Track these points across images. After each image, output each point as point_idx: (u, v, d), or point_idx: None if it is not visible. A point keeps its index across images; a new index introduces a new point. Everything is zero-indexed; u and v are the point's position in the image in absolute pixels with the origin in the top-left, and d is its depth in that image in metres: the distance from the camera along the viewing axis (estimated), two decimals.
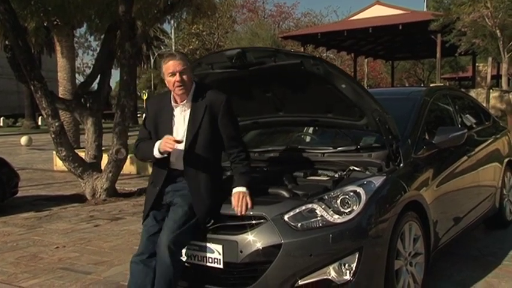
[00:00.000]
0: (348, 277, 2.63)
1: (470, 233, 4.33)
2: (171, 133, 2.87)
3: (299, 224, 2.67)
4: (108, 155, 7.09)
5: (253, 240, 2.67)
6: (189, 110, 2.89)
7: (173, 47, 28.21)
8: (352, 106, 3.17)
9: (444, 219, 3.50)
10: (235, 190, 2.83)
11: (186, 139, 2.85)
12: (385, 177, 2.94)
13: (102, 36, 7.96)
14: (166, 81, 2.89)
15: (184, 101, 2.90)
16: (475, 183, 4.13)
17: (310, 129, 4.24)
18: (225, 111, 2.88)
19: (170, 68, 2.83)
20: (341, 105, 3.23)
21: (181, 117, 2.92)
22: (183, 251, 2.84)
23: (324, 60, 3.00)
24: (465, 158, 3.94)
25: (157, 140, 2.87)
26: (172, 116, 2.93)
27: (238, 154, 2.95)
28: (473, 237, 4.51)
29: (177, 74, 2.81)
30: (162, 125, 2.93)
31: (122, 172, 7.35)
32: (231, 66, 3.10)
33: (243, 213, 2.75)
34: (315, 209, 2.71)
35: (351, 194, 2.76)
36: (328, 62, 3.06)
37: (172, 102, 2.93)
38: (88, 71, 32.87)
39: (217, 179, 2.95)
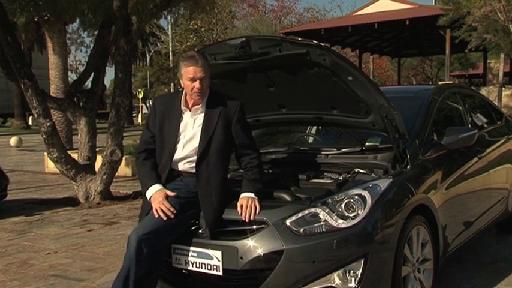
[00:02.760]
0: (352, 284, 2.63)
1: (482, 238, 4.32)
2: (177, 138, 2.93)
3: (302, 229, 2.67)
4: (102, 157, 7.09)
5: (254, 246, 2.66)
6: (202, 114, 2.94)
7: (170, 44, 28.19)
8: (358, 102, 3.17)
9: (454, 224, 3.50)
10: (243, 195, 2.85)
11: (199, 145, 2.90)
12: (391, 179, 2.94)
13: (96, 32, 7.96)
14: (183, 84, 2.93)
15: (198, 106, 2.95)
16: (486, 185, 4.12)
17: (313, 130, 4.25)
18: (239, 117, 2.95)
19: (191, 73, 2.86)
20: (347, 100, 3.23)
21: (191, 120, 2.96)
22: (180, 256, 2.83)
23: (331, 49, 2.99)
24: (476, 159, 3.94)
25: (160, 141, 2.96)
26: (180, 119, 2.96)
27: (250, 160, 3.00)
28: (484, 242, 4.51)
29: (198, 81, 2.86)
30: (169, 129, 2.96)
31: (116, 174, 7.35)
32: (235, 57, 3.12)
33: (251, 219, 2.75)
34: (318, 214, 2.71)
35: (356, 197, 2.76)
36: (335, 51, 3.04)
37: (182, 106, 2.97)
38: (81, 69, 32.91)
39: (226, 184, 2.97)
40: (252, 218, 2.75)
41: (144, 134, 3.10)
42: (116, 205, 6.82)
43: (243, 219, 2.75)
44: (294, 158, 3.55)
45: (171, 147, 2.94)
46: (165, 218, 2.75)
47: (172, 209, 2.77)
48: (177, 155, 2.94)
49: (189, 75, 2.86)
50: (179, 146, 2.94)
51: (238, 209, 2.79)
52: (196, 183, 2.89)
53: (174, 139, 2.94)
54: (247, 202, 2.80)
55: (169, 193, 2.84)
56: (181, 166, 2.96)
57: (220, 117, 2.92)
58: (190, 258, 2.83)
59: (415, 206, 2.98)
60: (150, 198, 2.85)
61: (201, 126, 2.93)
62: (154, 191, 2.86)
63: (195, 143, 2.92)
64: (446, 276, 3.65)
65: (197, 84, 2.86)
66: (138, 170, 3.07)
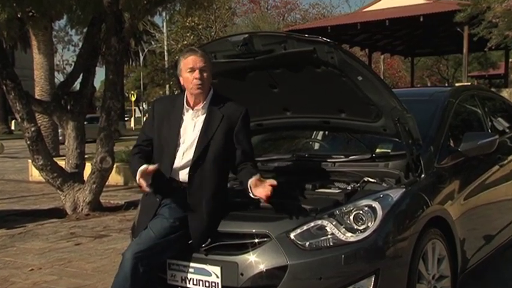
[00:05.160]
0: None
1: (504, 254, 4.31)
2: (176, 143, 2.94)
3: (307, 243, 2.67)
4: (91, 164, 7.11)
5: (256, 262, 2.67)
6: (203, 116, 2.97)
7: (165, 42, 28.30)
8: (368, 104, 3.18)
9: (473, 238, 3.50)
10: (253, 178, 2.81)
11: (195, 149, 2.91)
12: (404, 189, 2.94)
13: (85, 30, 7.99)
14: (183, 79, 2.96)
15: (200, 106, 2.97)
16: (509, 196, 4.12)
17: (320, 135, 4.25)
18: (243, 124, 2.97)
19: (190, 63, 2.91)
20: (356, 103, 3.24)
21: (191, 123, 2.98)
22: (175, 272, 2.83)
23: (340, 47, 3.01)
24: (496, 167, 3.94)
25: (159, 146, 2.99)
26: (181, 120, 2.99)
27: (245, 164, 2.98)
28: (506, 258, 4.49)
29: (197, 71, 2.89)
30: (168, 133, 2.98)
31: (107, 183, 7.37)
32: (236, 55, 3.14)
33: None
34: (325, 226, 2.72)
35: (366, 209, 2.76)
36: (344, 49, 3.06)
37: (184, 105, 3.00)
38: (69, 69, 33.03)
39: (221, 197, 2.96)
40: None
41: (139, 137, 3.16)
42: (106, 216, 6.82)
43: (263, 199, 2.74)
44: (299, 166, 3.56)
45: (170, 154, 2.95)
46: (147, 189, 2.79)
47: (146, 184, 2.79)
48: (177, 163, 2.94)
49: (188, 65, 2.91)
50: (179, 153, 2.94)
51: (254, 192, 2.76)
52: (187, 189, 2.89)
53: (173, 145, 2.95)
54: (259, 180, 2.77)
55: (151, 167, 2.81)
56: (182, 176, 2.94)
57: (222, 122, 2.94)
58: (186, 275, 2.83)
59: (430, 218, 2.99)
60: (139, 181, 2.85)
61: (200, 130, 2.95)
62: (138, 172, 2.84)
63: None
64: None
65: (196, 74, 2.89)
66: (130, 165, 3.11)
